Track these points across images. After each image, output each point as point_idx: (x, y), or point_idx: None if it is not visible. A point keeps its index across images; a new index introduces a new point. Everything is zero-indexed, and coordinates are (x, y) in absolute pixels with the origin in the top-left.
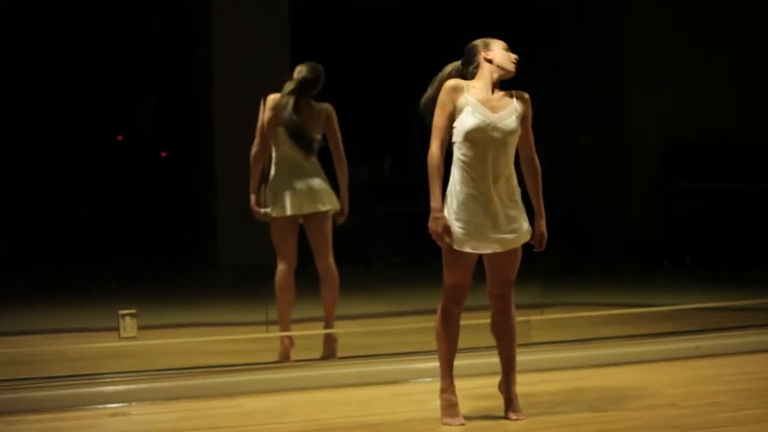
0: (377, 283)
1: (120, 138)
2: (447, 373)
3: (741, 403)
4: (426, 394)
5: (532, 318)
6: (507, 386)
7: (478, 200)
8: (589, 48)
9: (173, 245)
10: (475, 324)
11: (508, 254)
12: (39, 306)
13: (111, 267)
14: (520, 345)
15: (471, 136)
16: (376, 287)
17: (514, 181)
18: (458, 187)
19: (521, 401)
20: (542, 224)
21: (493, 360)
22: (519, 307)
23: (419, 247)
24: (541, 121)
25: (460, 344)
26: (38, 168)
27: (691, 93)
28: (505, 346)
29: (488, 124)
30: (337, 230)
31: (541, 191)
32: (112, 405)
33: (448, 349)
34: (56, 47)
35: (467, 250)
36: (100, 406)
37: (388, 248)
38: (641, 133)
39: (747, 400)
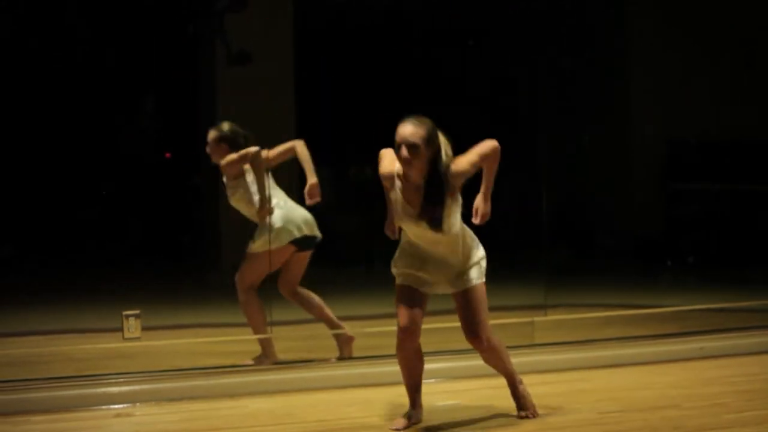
0: (379, 283)
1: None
2: None
3: (744, 404)
4: (428, 395)
5: (536, 319)
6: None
7: None
8: (591, 50)
9: (176, 246)
10: None
11: None
12: (43, 307)
13: (114, 268)
14: (524, 346)
15: None
16: (378, 288)
17: None
18: None
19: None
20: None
21: None
22: (523, 308)
23: None
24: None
25: (460, 344)
26: (41, 169)
27: (694, 95)
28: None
29: None
30: (338, 231)
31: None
32: (116, 406)
33: None
34: (59, 49)
35: None
36: (104, 407)
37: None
38: (644, 134)
39: (750, 401)
